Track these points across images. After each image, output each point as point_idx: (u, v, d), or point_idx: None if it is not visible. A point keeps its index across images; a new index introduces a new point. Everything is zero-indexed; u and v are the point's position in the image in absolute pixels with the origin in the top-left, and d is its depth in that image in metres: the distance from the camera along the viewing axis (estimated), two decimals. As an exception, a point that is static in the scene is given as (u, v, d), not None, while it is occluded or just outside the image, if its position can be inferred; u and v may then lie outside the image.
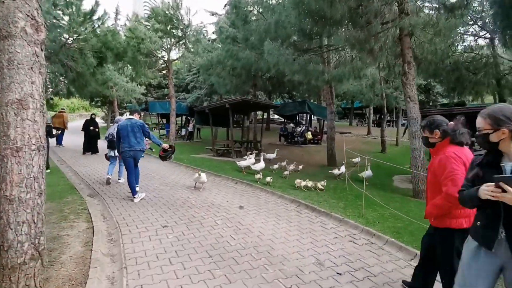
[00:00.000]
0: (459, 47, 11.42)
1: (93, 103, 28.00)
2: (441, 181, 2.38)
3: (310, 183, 6.97)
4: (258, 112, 21.17)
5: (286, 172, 8.69)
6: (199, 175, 6.80)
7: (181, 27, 13.00)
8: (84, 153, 12.77)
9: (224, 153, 13.71)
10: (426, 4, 8.18)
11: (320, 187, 6.87)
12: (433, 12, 7.38)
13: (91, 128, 12.86)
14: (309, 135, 17.69)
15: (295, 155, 14.14)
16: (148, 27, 13.49)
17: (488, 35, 11.50)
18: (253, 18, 13.27)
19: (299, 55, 8.88)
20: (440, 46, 7.13)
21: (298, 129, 18.15)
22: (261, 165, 8.64)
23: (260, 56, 12.15)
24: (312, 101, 21.11)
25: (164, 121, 23.72)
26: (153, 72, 14.78)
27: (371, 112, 24.68)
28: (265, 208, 5.82)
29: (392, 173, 10.70)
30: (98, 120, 15.43)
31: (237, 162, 9.38)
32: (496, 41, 11.07)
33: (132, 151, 6.01)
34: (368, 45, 6.92)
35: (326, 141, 12.74)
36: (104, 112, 30.84)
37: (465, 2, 6.94)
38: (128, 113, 7.17)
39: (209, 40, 20.02)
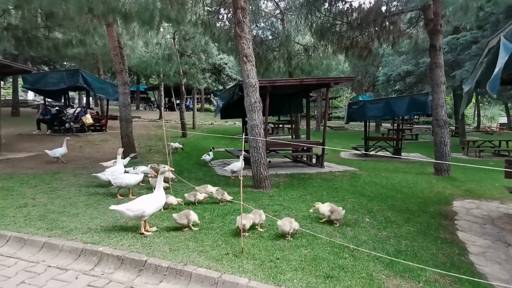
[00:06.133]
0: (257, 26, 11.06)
1: None
2: None
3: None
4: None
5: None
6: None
7: None
8: None
9: None
10: None
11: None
12: None
13: None
14: (88, 119, 12.79)
15: (70, 149, 9.39)
16: None
17: (280, 16, 11.85)
18: None
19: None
20: None
21: (71, 110, 12.73)
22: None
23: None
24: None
25: None
26: None
27: (162, 94, 22.10)
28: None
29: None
30: None
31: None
32: (286, 23, 11.52)
33: None
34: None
35: (119, 126, 9.01)
36: None
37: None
38: None
39: None
